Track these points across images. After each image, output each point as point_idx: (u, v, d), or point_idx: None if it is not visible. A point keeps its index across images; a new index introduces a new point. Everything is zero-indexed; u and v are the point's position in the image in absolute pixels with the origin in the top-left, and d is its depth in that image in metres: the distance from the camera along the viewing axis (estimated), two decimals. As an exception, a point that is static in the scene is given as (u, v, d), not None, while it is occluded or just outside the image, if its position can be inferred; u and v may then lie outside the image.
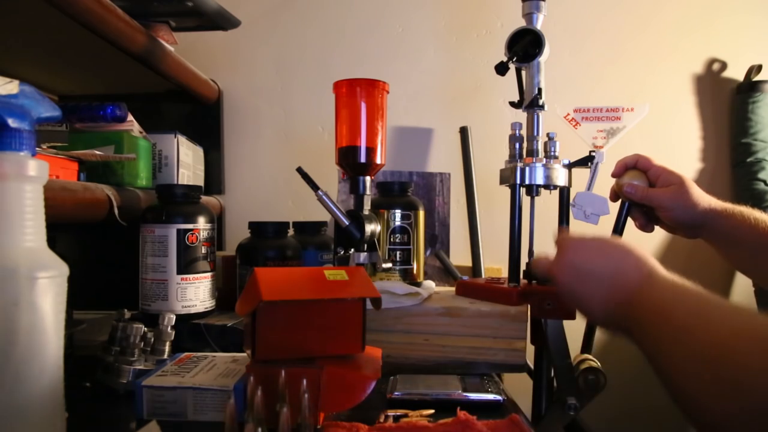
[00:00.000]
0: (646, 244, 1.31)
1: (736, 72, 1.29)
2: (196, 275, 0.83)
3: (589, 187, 0.83)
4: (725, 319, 0.44)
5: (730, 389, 0.39)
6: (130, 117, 0.93)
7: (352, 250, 0.80)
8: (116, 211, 0.79)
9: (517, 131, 0.84)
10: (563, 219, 0.84)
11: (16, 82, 0.47)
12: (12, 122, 0.46)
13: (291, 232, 0.98)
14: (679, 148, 1.31)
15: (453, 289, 0.92)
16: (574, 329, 0.77)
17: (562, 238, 0.63)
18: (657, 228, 1.30)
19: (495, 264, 1.23)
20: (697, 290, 0.49)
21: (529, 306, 0.77)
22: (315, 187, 0.79)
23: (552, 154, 0.82)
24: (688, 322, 0.46)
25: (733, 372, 0.40)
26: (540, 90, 0.82)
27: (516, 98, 0.86)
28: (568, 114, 0.84)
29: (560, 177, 0.82)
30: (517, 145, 0.84)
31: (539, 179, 0.81)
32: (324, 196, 0.79)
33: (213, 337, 0.80)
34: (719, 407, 0.40)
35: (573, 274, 0.58)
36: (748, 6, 1.29)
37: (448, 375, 0.70)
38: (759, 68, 1.25)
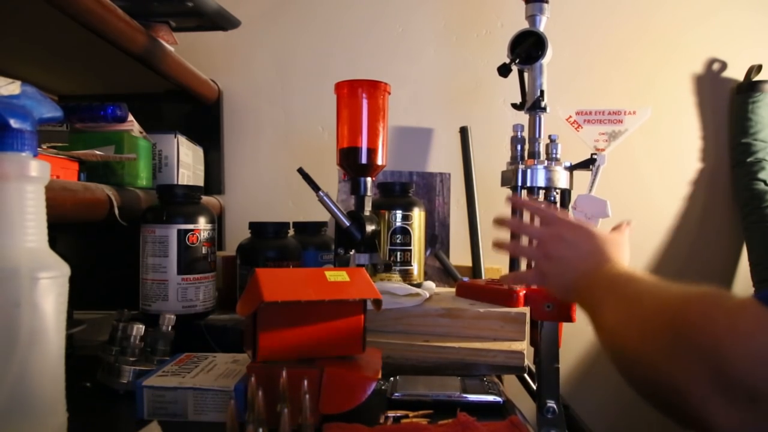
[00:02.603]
0: (648, 243, 1.31)
1: (736, 72, 1.29)
2: (196, 275, 0.83)
3: (591, 189, 0.83)
4: (662, 289, 0.53)
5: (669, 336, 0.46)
6: (131, 117, 0.93)
7: (353, 250, 0.80)
8: (116, 211, 0.79)
9: (518, 133, 0.84)
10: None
11: (17, 83, 0.47)
12: (14, 123, 0.46)
13: (291, 232, 0.98)
14: (679, 148, 1.31)
15: (453, 290, 0.92)
16: (577, 331, 0.77)
17: (553, 213, 0.73)
18: (658, 227, 1.30)
19: (495, 264, 1.23)
20: (642, 273, 0.59)
21: (529, 308, 0.77)
22: (316, 187, 0.79)
23: (553, 156, 0.82)
24: (635, 291, 0.55)
25: (673, 324, 0.46)
26: (542, 92, 0.82)
27: (516, 98, 0.86)
28: (570, 116, 0.84)
29: (561, 179, 0.82)
30: (519, 147, 0.84)
31: (541, 181, 0.81)
32: (325, 197, 0.79)
33: (213, 338, 0.80)
34: (657, 353, 0.47)
35: (561, 244, 0.68)
36: (748, 6, 1.29)
37: (448, 376, 0.70)
38: (759, 68, 1.25)
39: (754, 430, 0.40)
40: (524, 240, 0.78)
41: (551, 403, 0.71)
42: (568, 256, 0.68)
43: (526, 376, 1.03)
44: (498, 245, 0.78)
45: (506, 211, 0.85)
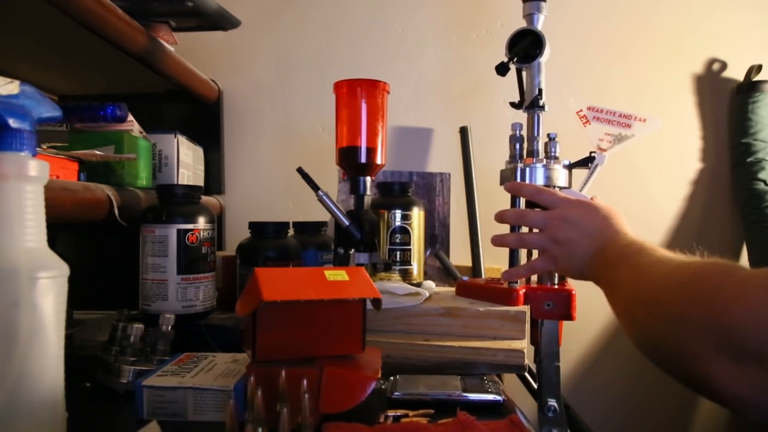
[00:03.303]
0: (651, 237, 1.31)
1: (736, 72, 1.29)
2: (196, 275, 0.83)
3: (583, 187, 0.83)
4: (666, 260, 0.55)
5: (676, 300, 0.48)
6: (130, 117, 0.93)
7: (353, 250, 0.80)
8: (116, 211, 0.79)
9: (517, 132, 0.84)
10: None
11: (16, 83, 0.47)
12: (13, 122, 0.46)
13: (291, 232, 0.98)
14: (679, 148, 1.31)
15: (453, 289, 0.92)
16: (576, 331, 0.77)
17: (554, 194, 0.73)
18: (658, 227, 1.30)
19: (495, 264, 1.23)
20: (651, 244, 0.61)
21: (529, 306, 0.77)
22: (315, 187, 0.79)
23: (552, 154, 0.82)
24: (646, 261, 0.57)
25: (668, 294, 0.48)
26: (540, 91, 0.82)
27: (516, 98, 0.86)
28: (581, 110, 0.83)
29: (560, 178, 0.82)
30: (518, 146, 0.84)
31: (539, 180, 0.81)
32: (324, 197, 0.79)
33: (213, 337, 0.80)
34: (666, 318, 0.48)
35: (565, 226, 0.69)
36: (748, 6, 1.29)
37: (448, 375, 0.70)
38: (759, 68, 1.25)
39: (759, 393, 0.40)
40: (525, 230, 0.78)
41: (552, 402, 0.71)
42: (575, 237, 0.68)
43: (526, 374, 1.03)
44: (498, 241, 0.79)
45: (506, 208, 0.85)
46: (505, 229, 0.81)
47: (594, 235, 0.67)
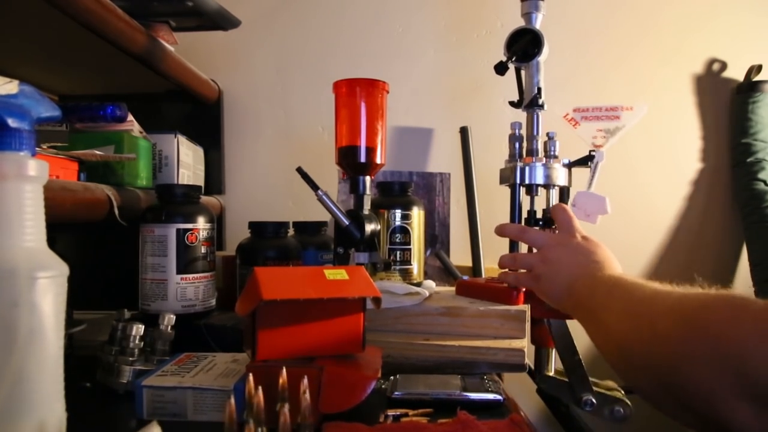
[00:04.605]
0: (648, 243, 1.31)
1: (736, 72, 1.29)
2: (195, 275, 0.83)
3: (590, 186, 0.83)
4: (645, 289, 0.55)
5: (644, 328, 0.50)
6: (130, 117, 0.93)
7: (352, 249, 0.80)
8: (116, 211, 0.79)
9: (516, 131, 0.84)
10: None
11: (15, 82, 0.47)
12: (12, 122, 0.46)
13: (291, 232, 0.98)
14: (679, 148, 1.31)
15: (453, 289, 0.92)
16: (574, 329, 0.77)
17: (566, 214, 0.73)
18: (658, 227, 1.30)
19: (495, 264, 1.22)
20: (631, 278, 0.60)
21: (529, 306, 0.77)
22: (315, 186, 0.79)
23: (552, 153, 0.82)
24: (643, 294, 0.55)
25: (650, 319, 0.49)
26: (539, 89, 0.82)
27: (516, 97, 0.86)
28: (567, 114, 0.84)
29: (560, 176, 0.82)
30: (517, 145, 0.84)
31: (539, 179, 0.81)
32: (324, 196, 0.79)
33: (213, 337, 0.80)
34: (637, 342, 0.50)
35: (561, 248, 0.70)
36: (749, 6, 1.29)
37: (448, 375, 0.70)
38: (759, 68, 1.25)
39: None
40: (524, 248, 0.78)
41: (587, 396, 0.70)
42: (565, 261, 0.68)
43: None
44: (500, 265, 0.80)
45: (506, 211, 0.85)
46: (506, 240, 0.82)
47: (585, 263, 0.67)
